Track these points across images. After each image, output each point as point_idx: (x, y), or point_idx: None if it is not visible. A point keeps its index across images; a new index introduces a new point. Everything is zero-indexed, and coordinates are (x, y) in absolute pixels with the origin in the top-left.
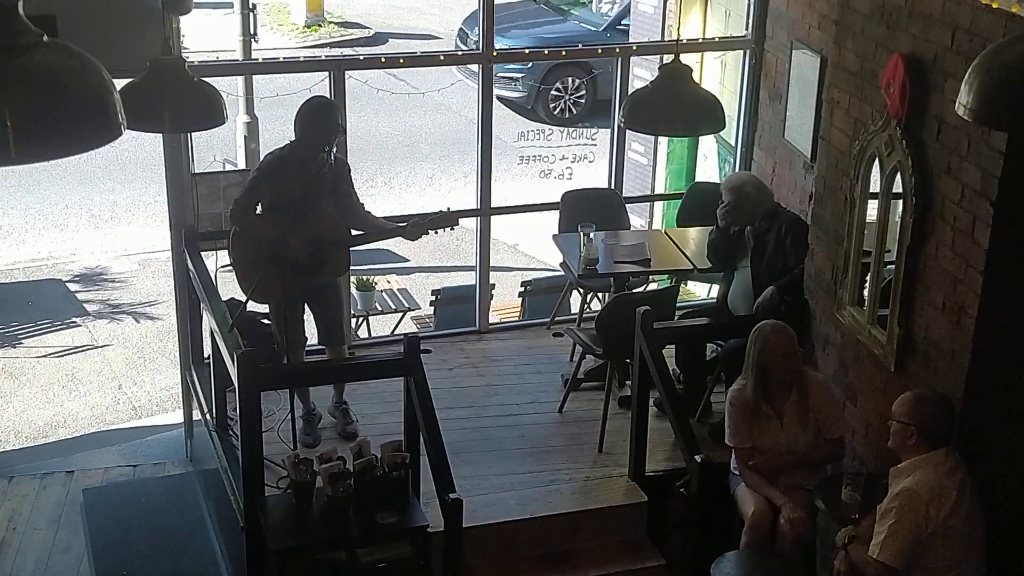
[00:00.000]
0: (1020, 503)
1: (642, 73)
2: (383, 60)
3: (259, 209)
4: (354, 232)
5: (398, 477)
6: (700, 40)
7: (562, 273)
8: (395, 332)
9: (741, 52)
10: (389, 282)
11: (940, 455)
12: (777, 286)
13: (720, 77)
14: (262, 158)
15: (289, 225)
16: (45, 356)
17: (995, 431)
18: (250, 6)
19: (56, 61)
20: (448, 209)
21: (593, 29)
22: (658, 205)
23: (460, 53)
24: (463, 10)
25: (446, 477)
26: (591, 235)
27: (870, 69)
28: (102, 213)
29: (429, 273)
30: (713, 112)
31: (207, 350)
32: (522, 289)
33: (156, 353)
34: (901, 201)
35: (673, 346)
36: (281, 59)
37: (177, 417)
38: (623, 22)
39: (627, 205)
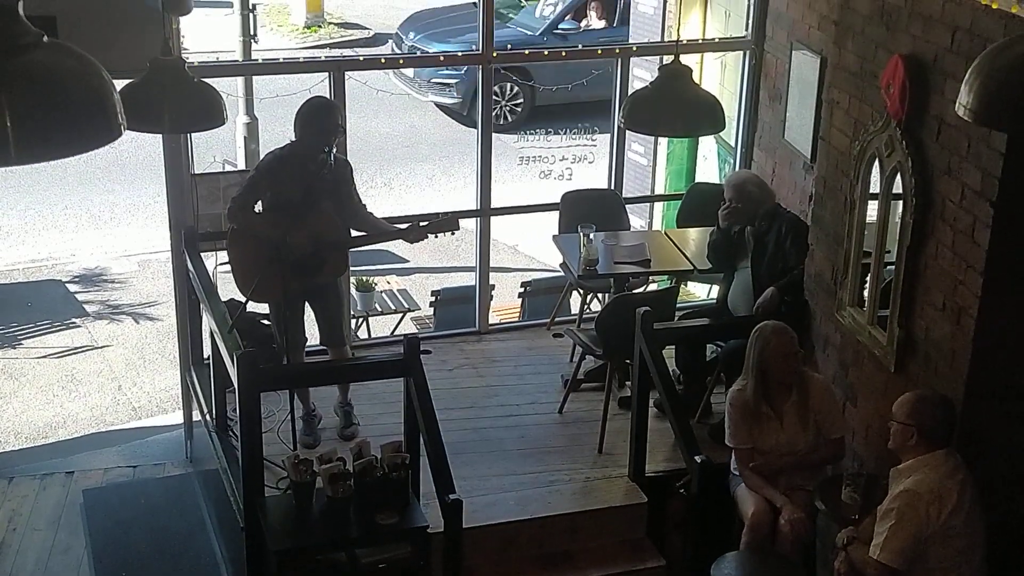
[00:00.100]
0: (1020, 504)
1: (642, 74)
2: (383, 61)
3: (258, 208)
4: (354, 233)
5: (398, 478)
6: (700, 41)
7: (562, 274)
8: (395, 333)
9: (741, 53)
10: (389, 283)
11: (940, 456)
12: (777, 287)
13: (720, 78)
14: (262, 157)
15: (289, 225)
16: (45, 357)
17: (995, 432)
18: (250, 7)
19: (56, 61)
20: (448, 213)
21: (530, 33)
22: (658, 206)
23: (460, 54)
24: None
25: (446, 478)
26: (591, 236)
27: (870, 70)
28: (102, 214)
29: (429, 274)
30: (713, 113)
31: (207, 351)
32: (522, 290)
33: (156, 354)
34: (901, 202)
35: (673, 347)
36: (281, 60)
37: (177, 418)
38: (560, 26)
39: (627, 206)
